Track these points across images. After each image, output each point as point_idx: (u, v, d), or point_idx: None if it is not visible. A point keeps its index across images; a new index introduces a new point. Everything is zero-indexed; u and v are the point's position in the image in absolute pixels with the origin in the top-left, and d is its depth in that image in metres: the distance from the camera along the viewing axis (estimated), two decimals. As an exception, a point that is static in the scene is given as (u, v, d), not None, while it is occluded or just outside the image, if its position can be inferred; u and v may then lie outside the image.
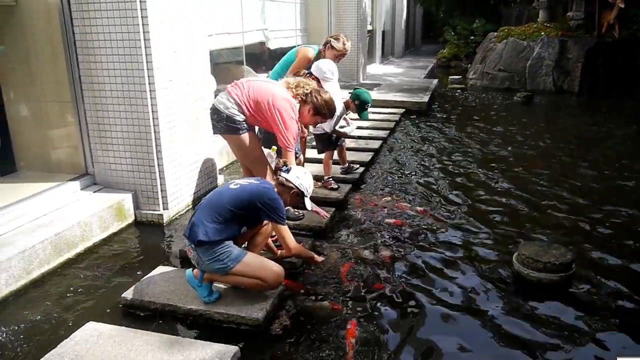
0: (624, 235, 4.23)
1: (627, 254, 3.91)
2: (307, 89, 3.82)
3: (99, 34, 4.00)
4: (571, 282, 3.41)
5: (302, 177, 3.23)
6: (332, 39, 4.95)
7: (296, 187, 3.18)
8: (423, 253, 3.87)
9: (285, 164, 3.27)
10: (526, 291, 3.35)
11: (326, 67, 4.66)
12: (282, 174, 3.21)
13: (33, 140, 4.69)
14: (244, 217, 3.00)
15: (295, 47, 5.19)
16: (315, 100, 3.81)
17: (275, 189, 3.13)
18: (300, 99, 3.81)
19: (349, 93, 5.17)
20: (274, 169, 3.40)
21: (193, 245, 2.93)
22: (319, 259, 3.52)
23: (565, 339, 2.86)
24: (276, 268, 3.03)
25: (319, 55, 4.97)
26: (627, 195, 5.30)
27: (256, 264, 2.99)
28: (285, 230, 3.11)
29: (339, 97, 4.86)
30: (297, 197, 3.24)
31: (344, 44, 4.92)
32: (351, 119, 5.27)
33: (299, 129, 3.98)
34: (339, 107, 5.04)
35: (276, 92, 3.72)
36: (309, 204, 3.32)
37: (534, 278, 3.35)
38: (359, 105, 5.02)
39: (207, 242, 2.86)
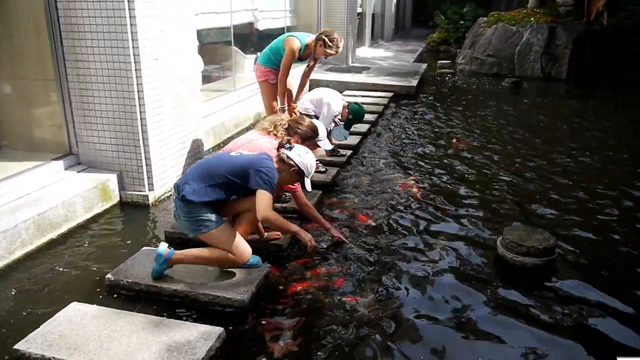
0: (607, 219, 4.30)
1: (611, 238, 3.98)
2: (284, 124, 3.86)
3: (83, 10, 3.91)
4: (554, 266, 3.45)
5: (304, 155, 3.20)
6: (326, 39, 4.83)
7: (296, 164, 3.15)
8: (406, 237, 3.90)
9: (288, 142, 3.25)
10: (510, 275, 3.38)
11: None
12: (284, 150, 3.19)
13: (16, 119, 4.61)
14: (237, 186, 2.99)
15: (284, 29, 5.15)
16: (299, 129, 3.85)
17: (276, 165, 3.12)
18: (283, 136, 3.80)
19: (348, 103, 5.30)
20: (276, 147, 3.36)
21: (177, 198, 2.98)
22: (304, 235, 3.33)
23: (547, 325, 2.90)
24: (243, 245, 3.07)
25: (307, 49, 4.92)
26: (610, 178, 5.36)
27: (225, 236, 3.02)
28: (264, 195, 2.97)
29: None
30: (296, 176, 3.21)
31: (337, 47, 4.87)
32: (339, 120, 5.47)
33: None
34: (338, 107, 5.19)
35: (261, 145, 3.69)
36: (308, 184, 3.28)
37: (517, 262, 3.39)
38: (350, 119, 5.24)
39: (190, 201, 2.91)
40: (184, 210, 2.96)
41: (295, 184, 3.54)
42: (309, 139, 3.92)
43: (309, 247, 3.31)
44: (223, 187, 2.97)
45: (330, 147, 4.68)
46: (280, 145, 3.26)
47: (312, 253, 3.44)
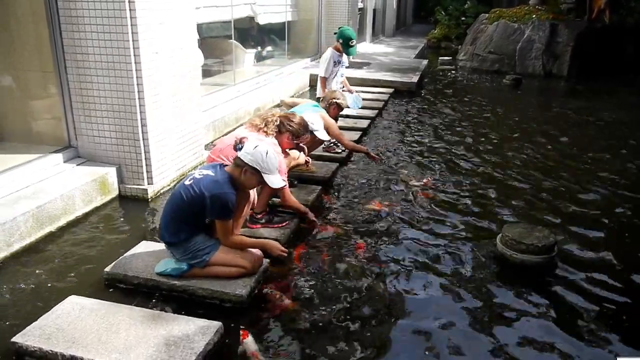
0: (608, 215, 4.29)
1: (613, 235, 3.98)
2: (276, 121, 3.81)
3: (83, 2, 3.88)
4: (554, 263, 3.44)
5: (251, 152, 2.85)
6: (338, 102, 5.04)
7: (246, 163, 2.85)
8: (406, 232, 3.90)
9: (241, 141, 2.91)
10: (509, 273, 3.38)
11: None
12: (237, 153, 2.89)
13: (14, 111, 4.59)
14: (202, 212, 2.88)
15: (285, 24, 5.07)
16: (290, 127, 3.83)
17: (233, 173, 2.90)
18: (274, 133, 3.77)
19: (334, 34, 5.66)
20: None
21: (166, 246, 2.99)
22: (271, 248, 3.19)
23: (546, 324, 2.91)
24: (253, 251, 3.05)
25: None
26: (610, 174, 5.35)
27: (231, 253, 2.99)
28: (220, 224, 2.91)
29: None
30: (254, 175, 2.87)
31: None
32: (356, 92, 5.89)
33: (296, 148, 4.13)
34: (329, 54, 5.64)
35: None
36: (270, 180, 2.91)
37: (517, 260, 3.38)
38: (343, 43, 5.56)
39: (175, 242, 2.91)
40: (180, 252, 2.94)
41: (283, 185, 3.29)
42: (300, 136, 3.92)
43: (279, 255, 3.19)
44: (194, 217, 2.90)
45: (327, 137, 4.55)
46: (234, 148, 2.93)
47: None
